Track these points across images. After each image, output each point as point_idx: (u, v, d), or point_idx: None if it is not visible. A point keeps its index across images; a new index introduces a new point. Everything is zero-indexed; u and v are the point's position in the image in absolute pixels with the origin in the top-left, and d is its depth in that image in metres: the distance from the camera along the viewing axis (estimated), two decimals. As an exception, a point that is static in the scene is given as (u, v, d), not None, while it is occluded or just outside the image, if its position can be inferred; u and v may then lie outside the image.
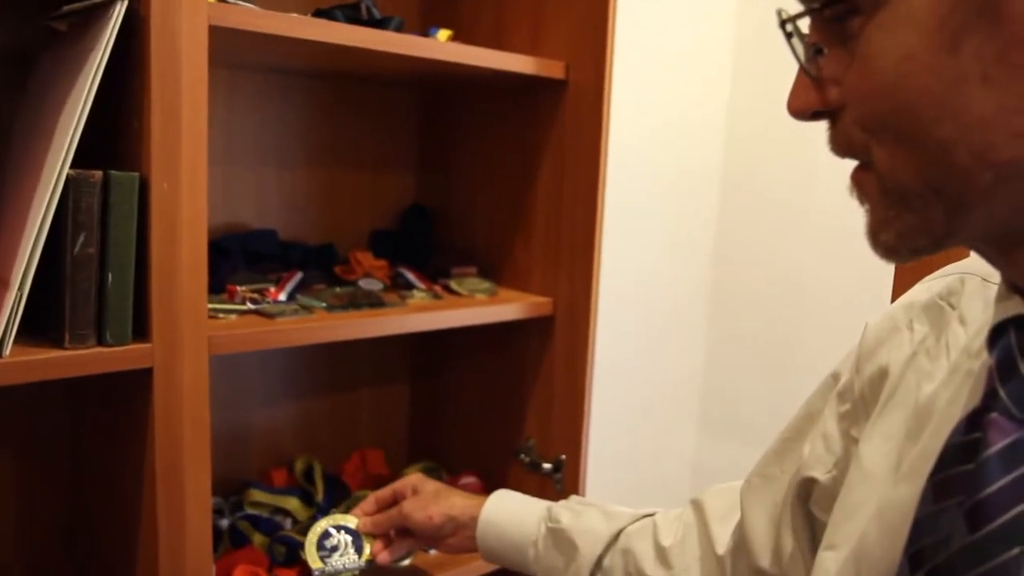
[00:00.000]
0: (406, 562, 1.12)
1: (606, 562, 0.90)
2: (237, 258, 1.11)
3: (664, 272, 1.87)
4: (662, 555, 0.86)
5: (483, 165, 1.30)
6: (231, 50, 0.98)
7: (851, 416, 0.68)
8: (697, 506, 0.88)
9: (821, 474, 0.69)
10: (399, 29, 1.02)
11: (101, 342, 0.78)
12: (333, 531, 1.05)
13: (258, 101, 1.20)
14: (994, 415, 0.47)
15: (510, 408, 1.28)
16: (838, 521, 0.62)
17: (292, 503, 1.21)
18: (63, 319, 0.76)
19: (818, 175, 1.74)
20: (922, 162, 0.44)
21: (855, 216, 0.50)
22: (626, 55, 1.57)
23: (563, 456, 1.20)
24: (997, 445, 0.45)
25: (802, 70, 0.50)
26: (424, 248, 1.34)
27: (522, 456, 1.25)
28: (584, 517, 0.93)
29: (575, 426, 1.18)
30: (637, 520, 0.92)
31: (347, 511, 1.23)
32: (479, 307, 1.14)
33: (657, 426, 1.96)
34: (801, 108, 0.50)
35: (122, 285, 0.78)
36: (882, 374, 0.65)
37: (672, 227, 1.87)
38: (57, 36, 0.84)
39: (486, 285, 1.21)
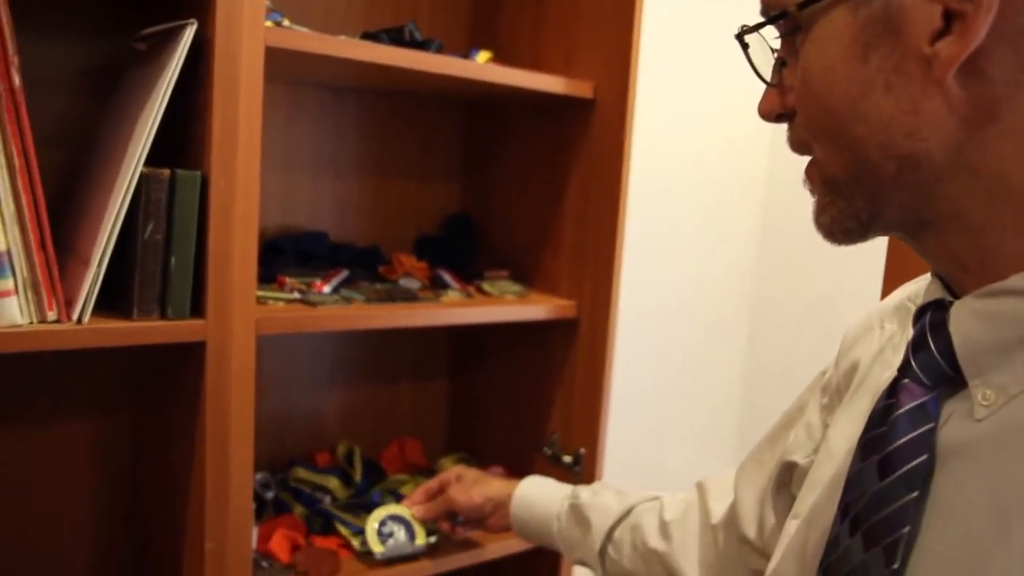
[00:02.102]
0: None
1: (616, 534, 0.99)
2: (290, 256, 1.23)
3: (702, 287, 1.93)
4: (664, 529, 0.95)
5: (520, 177, 1.40)
6: (289, 68, 1.11)
7: (828, 407, 0.75)
8: (700, 487, 0.96)
9: (801, 458, 0.76)
10: (439, 51, 1.12)
11: (163, 316, 0.90)
12: (389, 520, 1.17)
13: (315, 115, 1.33)
14: (906, 381, 0.54)
15: (538, 404, 1.37)
16: (804, 495, 0.69)
17: (332, 482, 1.32)
18: (132, 295, 0.88)
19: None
20: (845, 156, 0.53)
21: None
22: (662, 75, 1.65)
23: (582, 450, 1.28)
24: (906, 407, 0.53)
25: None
26: (467, 253, 1.44)
27: (546, 449, 1.33)
28: (601, 495, 1.04)
29: (593, 422, 1.26)
30: (648, 500, 1.01)
31: (383, 492, 1.34)
32: (506, 306, 1.24)
33: (688, 433, 2.01)
34: (766, 111, 0.60)
35: (183, 268, 0.90)
36: (854, 367, 0.72)
37: (712, 244, 1.93)
38: (139, 55, 0.98)
39: (516, 287, 1.31)
